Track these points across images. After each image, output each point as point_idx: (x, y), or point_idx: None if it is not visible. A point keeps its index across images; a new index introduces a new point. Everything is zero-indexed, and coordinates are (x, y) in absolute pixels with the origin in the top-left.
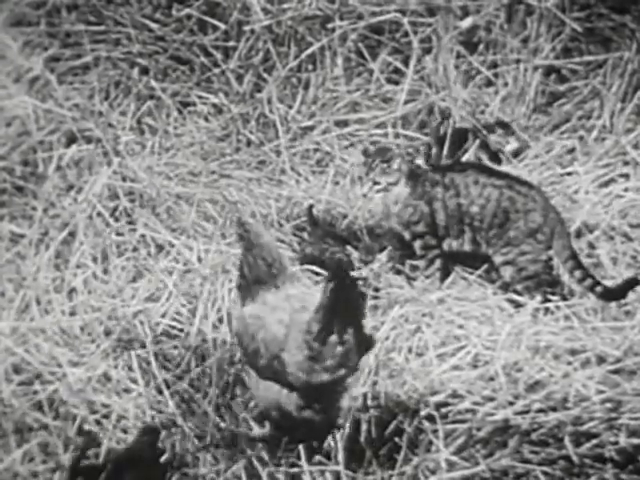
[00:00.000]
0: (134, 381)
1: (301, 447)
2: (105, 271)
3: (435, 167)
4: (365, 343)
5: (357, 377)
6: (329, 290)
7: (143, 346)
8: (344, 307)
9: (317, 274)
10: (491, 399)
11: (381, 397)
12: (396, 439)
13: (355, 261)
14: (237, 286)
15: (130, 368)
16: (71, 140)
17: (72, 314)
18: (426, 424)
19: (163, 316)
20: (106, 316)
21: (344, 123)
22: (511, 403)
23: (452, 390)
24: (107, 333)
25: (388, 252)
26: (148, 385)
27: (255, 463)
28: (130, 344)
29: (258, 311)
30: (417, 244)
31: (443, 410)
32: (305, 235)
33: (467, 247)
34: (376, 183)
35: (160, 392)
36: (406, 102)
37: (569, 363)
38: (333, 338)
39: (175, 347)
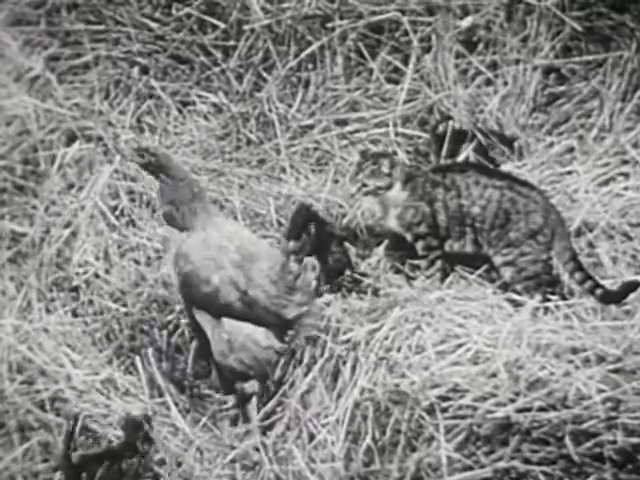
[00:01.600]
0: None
1: None
2: (107, 271)
3: (436, 168)
4: (332, 272)
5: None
6: (302, 234)
7: None
8: (316, 246)
9: None
10: (492, 395)
11: (380, 389)
12: (397, 432)
13: (353, 257)
14: (164, 216)
15: (132, 372)
16: (71, 139)
17: (75, 315)
18: (427, 418)
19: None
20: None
21: (344, 122)
22: (512, 400)
23: (453, 384)
24: (109, 339)
25: (385, 249)
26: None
27: None
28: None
29: (206, 252)
30: (419, 245)
31: (444, 404)
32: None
33: (469, 248)
34: (364, 185)
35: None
36: (406, 101)
37: (570, 361)
38: (308, 275)
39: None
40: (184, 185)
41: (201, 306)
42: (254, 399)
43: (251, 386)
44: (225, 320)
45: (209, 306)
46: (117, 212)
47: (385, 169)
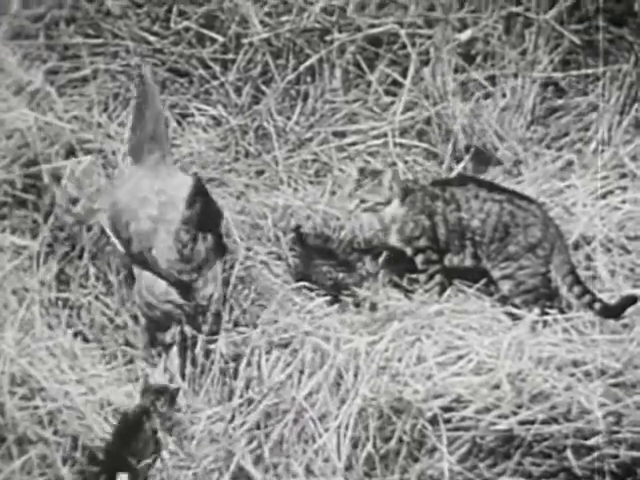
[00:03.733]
0: None
1: None
2: (107, 292)
3: (435, 181)
4: (220, 247)
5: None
6: (195, 205)
7: None
8: (206, 218)
9: (311, 289)
10: (495, 407)
11: (382, 397)
12: (399, 442)
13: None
14: (129, 142)
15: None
16: (70, 152)
17: (75, 334)
18: (429, 428)
19: None
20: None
21: (342, 134)
22: (515, 413)
23: (456, 395)
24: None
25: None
26: None
27: None
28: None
29: (130, 201)
30: (419, 259)
31: (446, 415)
32: (295, 255)
33: (468, 262)
34: (363, 201)
35: None
36: (404, 113)
37: (571, 375)
38: (199, 244)
39: None
40: (151, 120)
41: (124, 248)
42: (174, 349)
43: (170, 335)
44: (137, 268)
45: (127, 250)
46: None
47: (387, 183)
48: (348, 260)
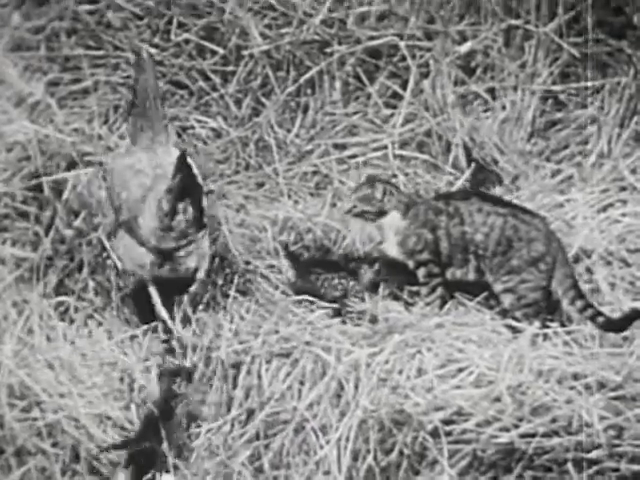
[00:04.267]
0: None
1: None
2: (104, 308)
3: (438, 195)
4: (200, 220)
5: (198, 245)
6: (178, 177)
7: None
8: (187, 190)
9: (312, 302)
10: (496, 420)
11: (383, 410)
12: (400, 455)
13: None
14: (128, 111)
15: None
16: (71, 165)
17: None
18: (430, 441)
19: None
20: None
21: (342, 146)
22: (516, 426)
23: (457, 407)
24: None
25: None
26: None
27: None
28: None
29: (124, 172)
30: (421, 272)
31: (447, 428)
32: (292, 270)
33: (471, 276)
34: (355, 206)
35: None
36: (404, 124)
37: (572, 388)
38: (179, 216)
39: None
40: (142, 98)
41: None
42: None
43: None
44: (122, 230)
45: (117, 217)
46: None
47: (378, 195)
48: (353, 269)
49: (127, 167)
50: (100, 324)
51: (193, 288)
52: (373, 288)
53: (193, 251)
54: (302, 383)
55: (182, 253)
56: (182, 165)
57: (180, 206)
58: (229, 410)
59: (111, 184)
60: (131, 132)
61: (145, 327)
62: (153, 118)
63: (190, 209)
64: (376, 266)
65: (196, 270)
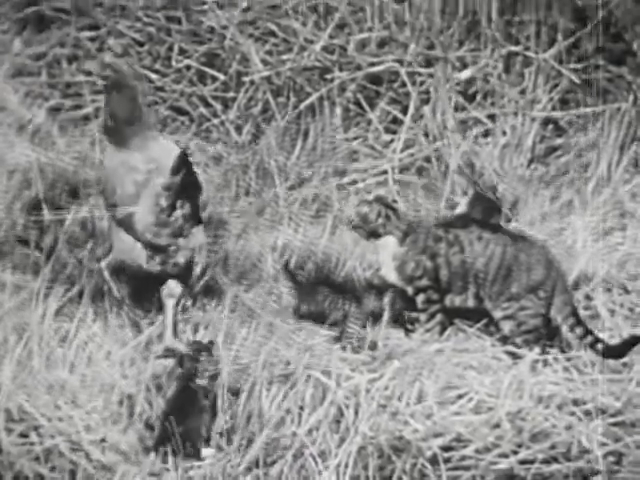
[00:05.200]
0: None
1: None
2: (105, 332)
3: (438, 223)
4: (196, 217)
5: (188, 241)
6: (178, 175)
7: None
8: (186, 187)
9: (312, 330)
10: (495, 446)
11: (382, 436)
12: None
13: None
14: (105, 129)
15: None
16: (73, 191)
17: (71, 371)
18: (429, 468)
19: None
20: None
21: (342, 172)
22: (515, 452)
23: (456, 434)
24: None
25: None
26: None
27: None
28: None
29: (118, 167)
30: (420, 298)
31: (446, 454)
32: (293, 292)
33: (471, 303)
34: (353, 220)
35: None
36: (403, 150)
37: (572, 414)
38: (176, 212)
39: None
40: (130, 105)
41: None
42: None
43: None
44: (118, 227)
45: (112, 214)
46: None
47: (372, 216)
48: (356, 294)
49: (120, 163)
50: (100, 346)
51: (189, 283)
52: (376, 316)
53: (183, 246)
54: (302, 408)
55: (173, 248)
56: (183, 163)
57: (178, 202)
58: (229, 439)
59: (105, 180)
60: (117, 137)
61: (143, 343)
62: (143, 121)
63: (187, 205)
64: (389, 296)
65: (187, 266)
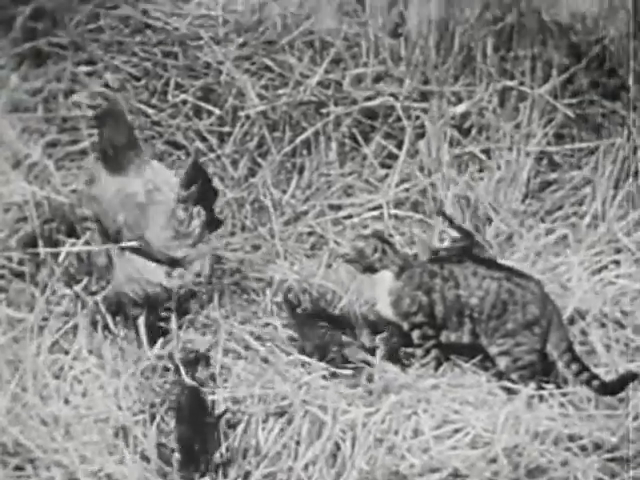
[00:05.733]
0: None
1: None
2: (102, 366)
3: (433, 258)
4: (214, 223)
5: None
6: (194, 184)
7: None
8: (201, 196)
9: (309, 364)
10: None
11: (378, 471)
12: None
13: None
14: (103, 158)
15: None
16: (70, 228)
17: (66, 403)
18: None
19: None
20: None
21: (338, 207)
22: None
23: (453, 469)
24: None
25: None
26: None
27: None
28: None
29: (115, 196)
30: (415, 334)
31: None
32: (295, 327)
33: (466, 339)
34: (348, 254)
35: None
36: (398, 184)
37: (567, 449)
38: (194, 221)
39: None
40: (125, 130)
41: (110, 239)
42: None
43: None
44: (127, 252)
45: (117, 240)
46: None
47: (368, 251)
48: (352, 328)
49: (115, 193)
50: (96, 378)
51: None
52: (371, 351)
53: (193, 255)
54: (298, 443)
55: (188, 258)
56: (197, 172)
57: (194, 211)
58: (225, 473)
59: (102, 212)
60: (113, 164)
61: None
62: (138, 146)
63: (202, 212)
64: (386, 333)
65: (199, 274)
